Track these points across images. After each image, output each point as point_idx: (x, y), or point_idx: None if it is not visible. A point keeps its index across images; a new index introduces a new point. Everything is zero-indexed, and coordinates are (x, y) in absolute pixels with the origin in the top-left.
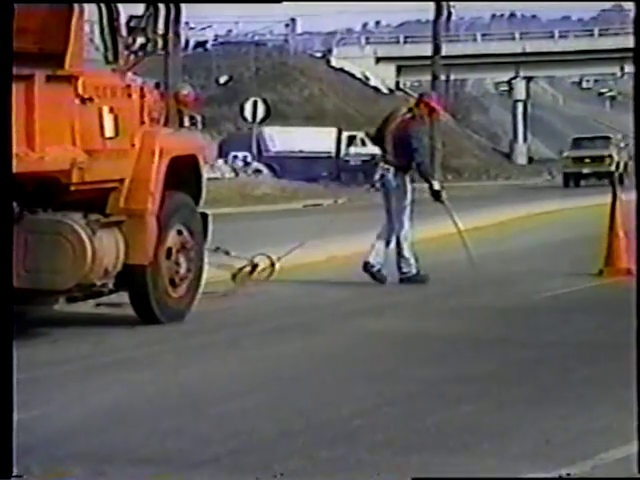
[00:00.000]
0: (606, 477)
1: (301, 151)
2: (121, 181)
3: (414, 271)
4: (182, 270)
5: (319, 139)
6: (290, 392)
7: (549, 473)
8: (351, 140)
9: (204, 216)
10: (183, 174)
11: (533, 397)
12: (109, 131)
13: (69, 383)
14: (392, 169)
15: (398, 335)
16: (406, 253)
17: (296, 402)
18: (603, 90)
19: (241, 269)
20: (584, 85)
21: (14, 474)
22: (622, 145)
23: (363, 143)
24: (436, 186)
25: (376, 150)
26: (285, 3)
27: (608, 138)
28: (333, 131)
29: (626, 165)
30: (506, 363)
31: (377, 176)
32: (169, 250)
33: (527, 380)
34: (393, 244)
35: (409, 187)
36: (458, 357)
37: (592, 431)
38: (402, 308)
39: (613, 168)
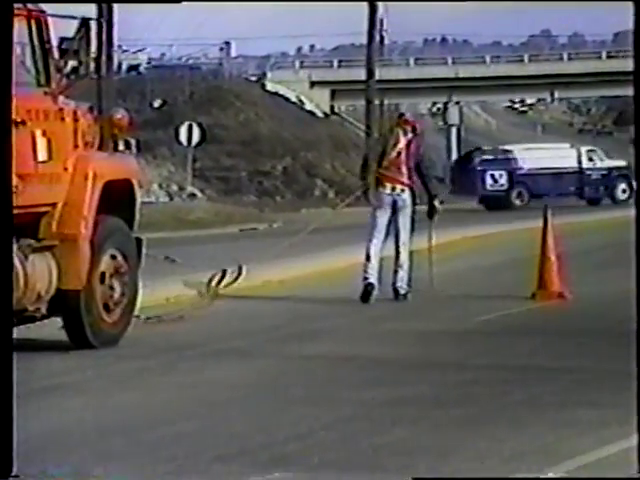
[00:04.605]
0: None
1: (547, 168)
2: (54, 205)
3: (407, 287)
4: (116, 295)
5: (561, 155)
6: (225, 417)
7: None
8: (590, 154)
9: (138, 241)
10: (117, 198)
11: (468, 419)
12: (42, 155)
13: None
14: (407, 188)
15: (334, 359)
16: (407, 269)
17: (231, 427)
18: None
19: (210, 280)
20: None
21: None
22: None
23: (602, 157)
24: (437, 203)
25: (615, 163)
26: (218, 27)
27: None
28: (568, 146)
29: None
30: (442, 386)
31: (383, 196)
32: (103, 275)
33: (462, 402)
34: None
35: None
36: (394, 380)
37: (526, 452)
38: (339, 331)
39: None
